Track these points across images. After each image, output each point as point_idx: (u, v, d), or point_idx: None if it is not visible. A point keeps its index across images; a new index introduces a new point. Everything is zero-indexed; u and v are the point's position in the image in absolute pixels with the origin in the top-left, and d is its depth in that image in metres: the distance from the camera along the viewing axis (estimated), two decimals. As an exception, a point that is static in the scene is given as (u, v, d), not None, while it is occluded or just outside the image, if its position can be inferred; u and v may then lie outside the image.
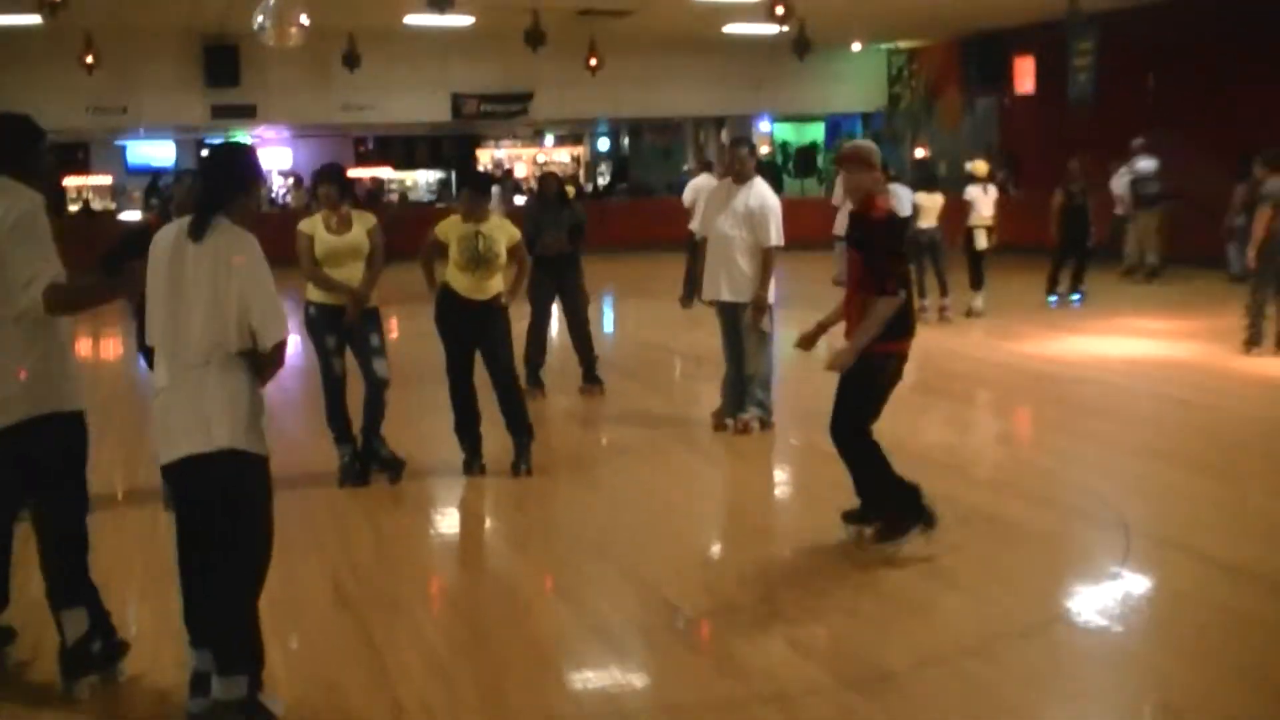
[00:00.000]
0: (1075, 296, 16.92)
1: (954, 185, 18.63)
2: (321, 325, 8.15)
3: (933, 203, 15.39)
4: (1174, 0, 20.32)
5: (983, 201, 15.88)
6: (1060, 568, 6.52)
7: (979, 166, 16.54)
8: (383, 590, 6.32)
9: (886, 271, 6.37)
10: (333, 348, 8.18)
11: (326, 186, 8.16)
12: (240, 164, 5.04)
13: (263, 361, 4.67)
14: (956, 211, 15.94)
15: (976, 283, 15.81)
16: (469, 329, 8.53)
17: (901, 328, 6.50)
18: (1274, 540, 6.78)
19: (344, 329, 8.12)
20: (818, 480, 8.61)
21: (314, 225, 8.10)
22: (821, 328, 7.04)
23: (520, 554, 6.90)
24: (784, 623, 5.79)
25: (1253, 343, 12.52)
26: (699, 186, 16.65)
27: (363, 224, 8.20)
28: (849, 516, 6.80)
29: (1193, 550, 6.54)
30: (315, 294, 8.13)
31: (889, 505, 6.64)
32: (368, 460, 8.36)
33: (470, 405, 8.66)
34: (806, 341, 7.11)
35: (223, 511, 4.67)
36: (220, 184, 4.86)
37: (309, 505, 7.95)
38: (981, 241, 15.82)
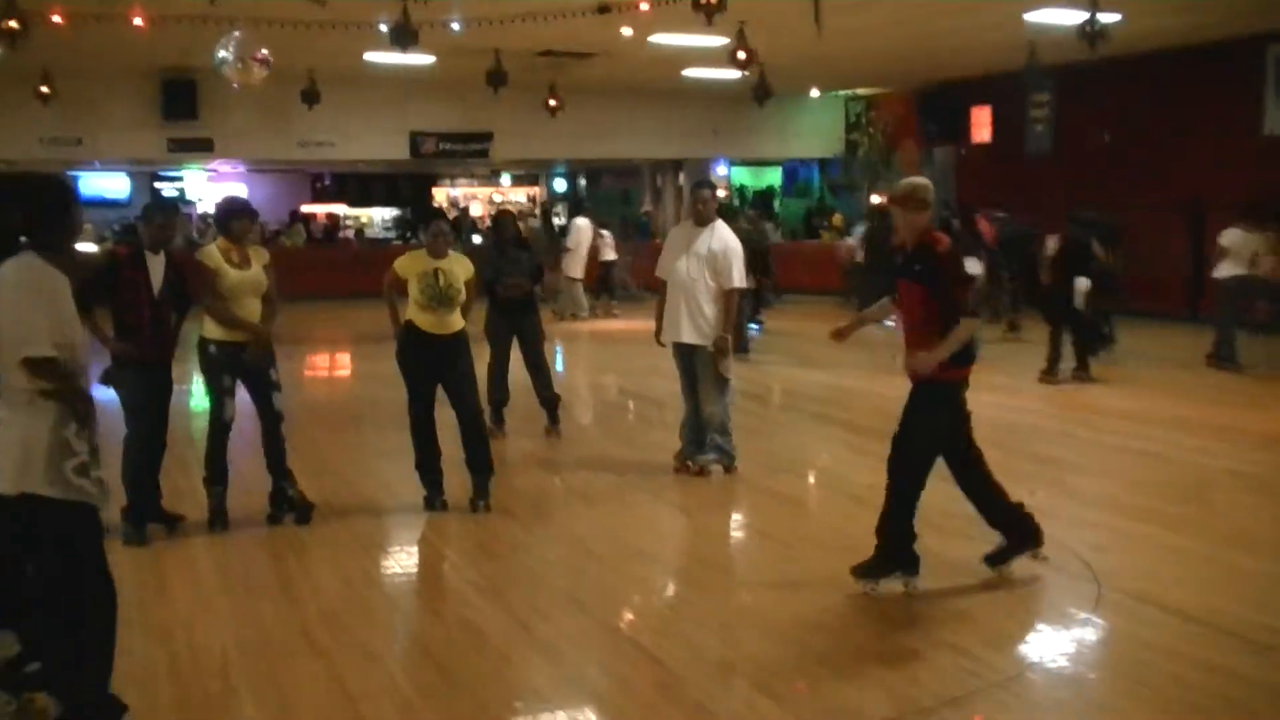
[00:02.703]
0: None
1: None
2: (220, 364, 7.96)
3: None
4: (1130, 55, 20.55)
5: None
6: (1034, 618, 6.51)
7: (836, 218, 19.45)
8: (354, 637, 6.21)
9: (960, 298, 6.67)
10: (228, 387, 8.01)
11: (242, 220, 8.04)
12: (41, 198, 4.86)
13: (53, 390, 4.56)
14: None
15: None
16: (434, 365, 8.50)
17: (967, 355, 6.73)
18: (1241, 594, 6.78)
19: (247, 368, 7.97)
20: (782, 525, 8.59)
21: (216, 259, 7.88)
22: (861, 321, 7.46)
23: (491, 600, 6.80)
24: (759, 670, 5.74)
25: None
26: (580, 227, 17.43)
27: (259, 260, 8.09)
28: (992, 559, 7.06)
29: (1164, 603, 6.54)
30: (214, 331, 7.92)
31: (886, 542, 6.78)
32: (280, 502, 8.25)
33: (433, 442, 8.64)
34: (841, 335, 7.34)
35: (29, 558, 4.58)
36: (16, 217, 4.73)
37: (275, 548, 7.86)
38: None
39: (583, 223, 22.65)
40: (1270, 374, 14.65)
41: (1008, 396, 13.46)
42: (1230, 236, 15.28)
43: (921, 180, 6.99)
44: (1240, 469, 10.09)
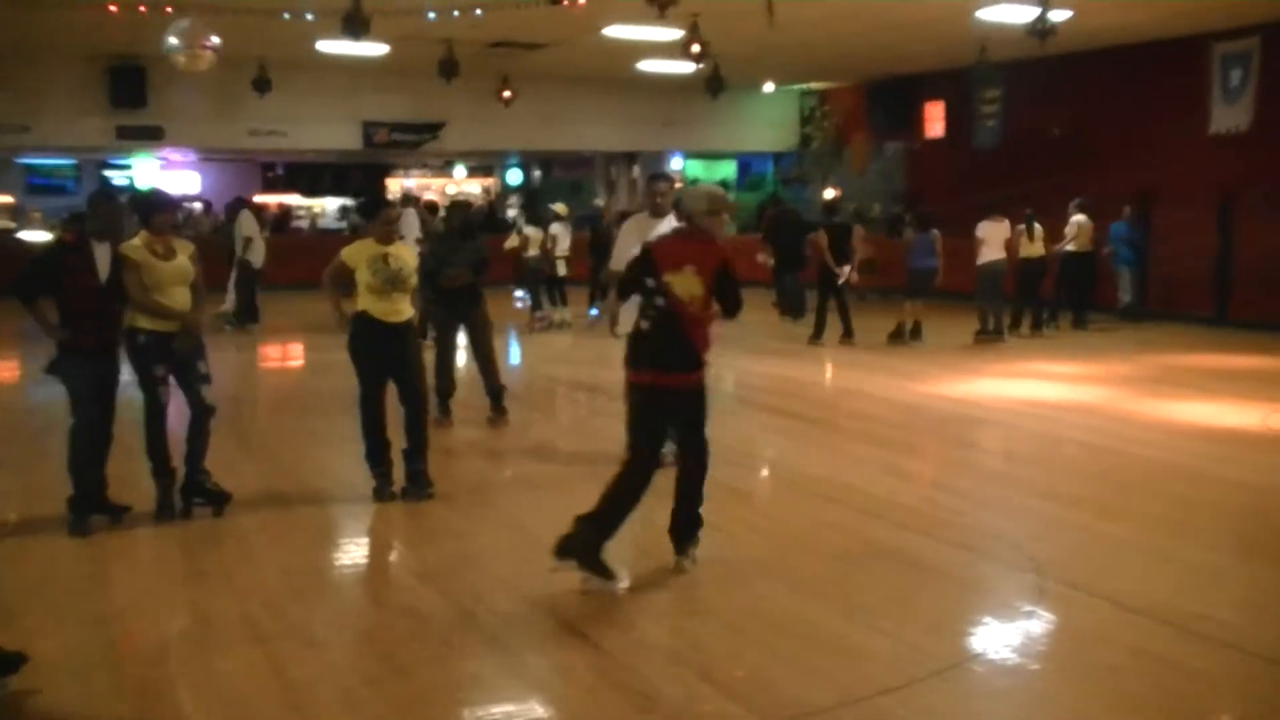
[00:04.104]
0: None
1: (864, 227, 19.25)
2: (151, 353, 7.91)
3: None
4: (1080, 51, 20.75)
5: (563, 237, 20.33)
6: (974, 608, 6.56)
7: (560, 207, 21.23)
8: (295, 625, 6.19)
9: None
10: (160, 375, 7.97)
11: (162, 214, 8.01)
12: None
13: None
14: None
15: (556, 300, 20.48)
16: (386, 354, 8.51)
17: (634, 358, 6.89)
18: (1180, 583, 6.85)
19: (177, 357, 7.95)
20: (726, 516, 8.63)
21: (140, 252, 7.86)
22: None
23: (433, 588, 6.79)
24: (702, 658, 5.76)
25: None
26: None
27: (185, 250, 8.08)
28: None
29: (1102, 593, 6.60)
30: (144, 321, 7.87)
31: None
32: (191, 492, 8.20)
33: (384, 432, 8.63)
34: None
35: None
36: None
37: (217, 534, 7.83)
38: (562, 269, 20.37)
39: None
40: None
41: (944, 385, 13.60)
42: (983, 229, 17.67)
43: (717, 189, 7.04)
44: (1173, 459, 10.22)
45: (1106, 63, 21.43)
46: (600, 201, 31.24)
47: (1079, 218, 19.28)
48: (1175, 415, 12.03)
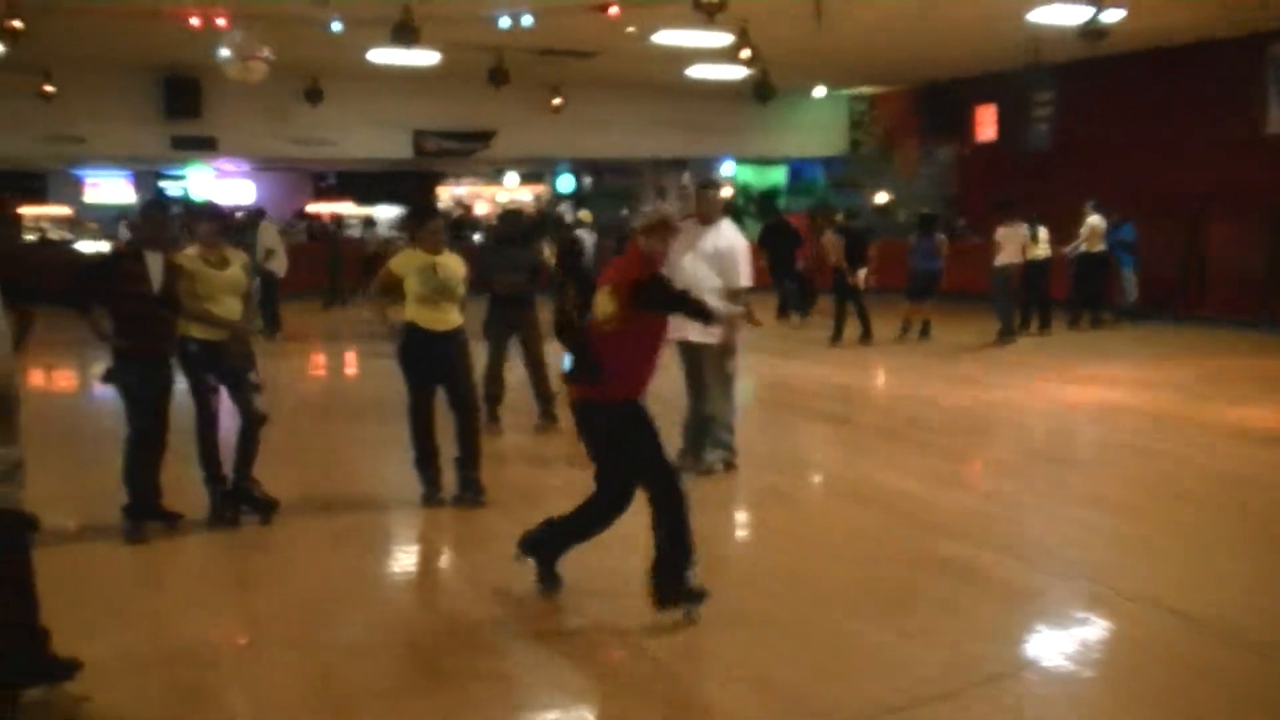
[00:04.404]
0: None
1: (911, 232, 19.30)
2: (202, 362, 8.00)
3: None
4: (1133, 52, 20.59)
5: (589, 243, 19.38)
6: (1026, 616, 6.49)
7: (584, 214, 21.25)
8: (343, 631, 6.22)
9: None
10: (212, 384, 8.05)
11: (210, 224, 8.09)
12: None
13: None
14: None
15: None
16: (435, 362, 8.54)
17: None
18: (1234, 593, 6.77)
19: (227, 366, 8.01)
20: (781, 524, 8.61)
21: (193, 261, 7.95)
22: None
23: (482, 594, 6.81)
24: (749, 666, 5.74)
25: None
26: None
27: (238, 260, 8.17)
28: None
29: (1156, 601, 6.53)
30: (196, 330, 7.95)
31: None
32: (239, 500, 8.25)
33: (432, 439, 8.67)
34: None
35: None
36: None
37: (267, 541, 7.88)
38: None
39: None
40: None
41: (1009, 392, 13.51)
42: (1000, 233, 17.90)
43: (669, 211, 6.78)
44: (1228, 467, 10.10)
45: (1160, 64, 21.23)
46: (625, 211, 31.26)
47: (1093, 219, 19.61)
48: (1228, 420, 11.88)
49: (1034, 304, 19.04)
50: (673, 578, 6.21)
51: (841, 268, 17.76)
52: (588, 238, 20.52)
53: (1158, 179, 21.15)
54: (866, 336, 17.93)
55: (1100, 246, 19.71)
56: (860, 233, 18.57)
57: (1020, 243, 17.84)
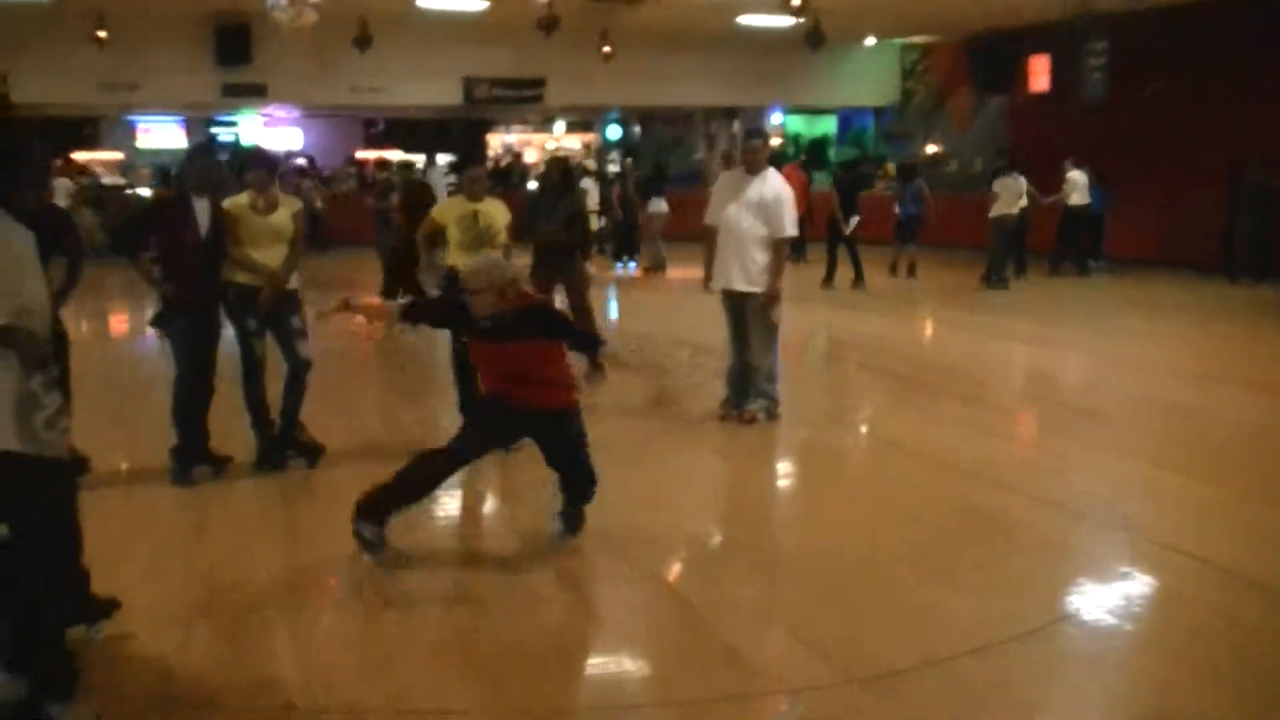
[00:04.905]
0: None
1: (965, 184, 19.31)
2: (241, 306, 8.05)
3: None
4: (1189, 3, 20.27)
5: (592, 192, 20.75)
6: (1064, 570, 6.49)
7: (589, 163, 22.77)
8: (390, 578, 6.27)
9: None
10: (253, 329, 8.10)
11: (256, 171, 8.12)
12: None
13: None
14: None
15: None
16: None
17: None
18: (1273, 547, 6.75)
19: (260, 311, 8.06)
20: (823, 474, 8.64)
21: (238, 206, 8.01)
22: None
23: (525, 543, 6.87)
24: (789, 618, 5.78)
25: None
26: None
27: (288, 208, 8.19)
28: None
29: (1196, 555, 6.52)
30: (238, 275, 8.01)
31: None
32: (285, 445, 8.32)
33: (475, 384, 8.68)
34: None
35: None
36: None
37: (314, 486, 7.97)
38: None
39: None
40: None
41: (1043, 346, 13.46)
42: (999, 184, 19.09)
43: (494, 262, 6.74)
44: (1270, 421, 10.03)
45: (1217, 13, 20.87)
46: (699, 156, 31.14)
47: (1073, 173, 20.48)
48: (1269, 377, 11.78)
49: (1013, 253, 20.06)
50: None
51: (836, 217, 18.95)
52: (591, 187, 20.50)
53: (1208, 130, 20.84)
54: (858, 280, 18.81)
55: (1081, 200, 20.48)
56: (852, 184, 19.85)
57: (1017, 194, 18.96)
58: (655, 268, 21.88)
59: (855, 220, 18.99)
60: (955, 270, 20.91)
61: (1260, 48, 20.43)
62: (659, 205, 22.53)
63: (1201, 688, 5.02)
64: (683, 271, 19.66)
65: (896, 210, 20.25)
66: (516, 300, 6.53)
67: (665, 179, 24.23)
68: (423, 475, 6.47)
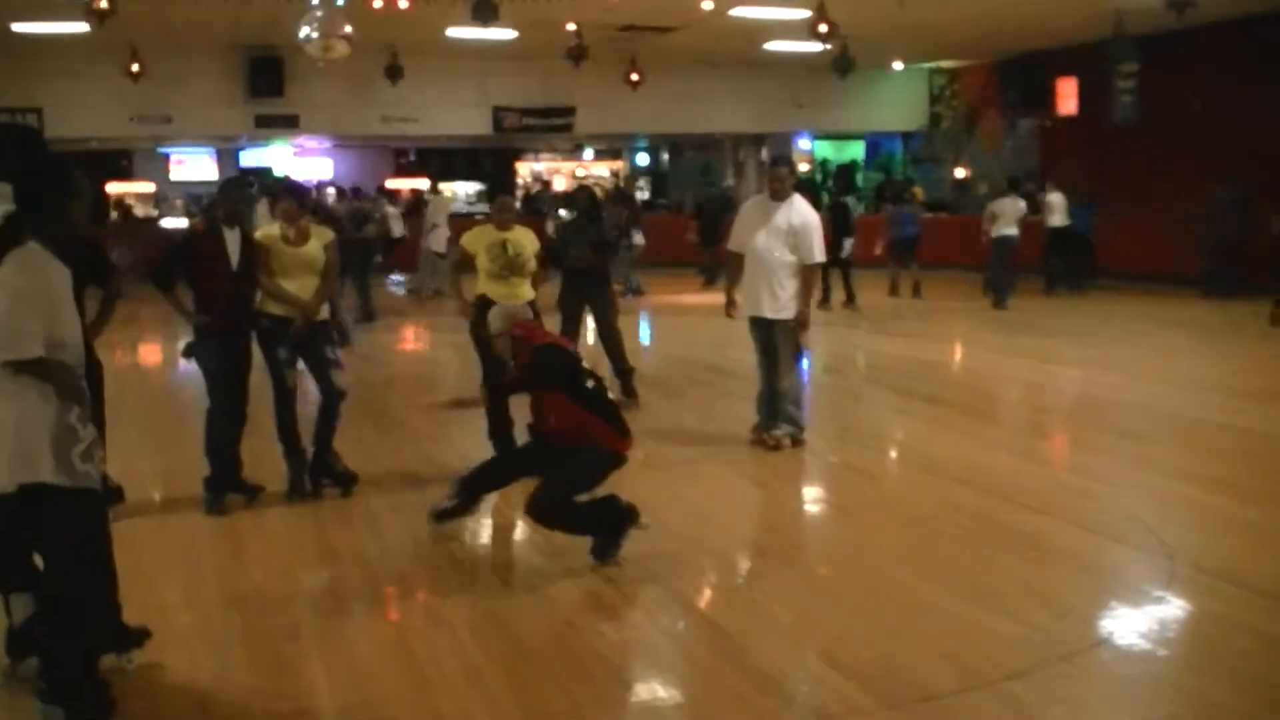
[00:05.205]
0: None
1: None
2: (274, 337, 8.08)
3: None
4: (1219, 21, 20.18)
5: None
6: (1104, 593, 6.44)
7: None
8: (423, 602, 6.30)
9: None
10: (284, 359, 8.12)
11: (287, 201, 8.17)
12: (33, 184, 4.81)
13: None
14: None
15: None
16: None
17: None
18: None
19: (292, 342, 8.08)
20: (854, 497, 8.60)
21: (269, 237, 8.06)
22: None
23: (559, 567, 6.85)
24: (824, 641, 5.75)
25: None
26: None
27: (320, 239, 8.22)
28: None
29: (1236, 578, 6.45)
30: (269, 305, 8.06)
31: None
32: (319, 473, 8.34)
33: (506, 411, 8.70)
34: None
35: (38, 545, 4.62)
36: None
37: (348, 513, 7.98)
38: None
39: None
40: None
41: (1086, 369, 13.38)
42: (998, 205, 19.88)
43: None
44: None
45: (1249, 34, 20.77)
46: (729, 183, 31.16)
47: (1052, 196, 21.39)
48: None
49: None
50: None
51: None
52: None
53: (1244, 152, 20.73)
54: (850, 301, 19.42)
55: (1062, 221, 21.19)
56: (846, 209, 20.35)
57: (1016, 215, 19.63)
58: (634, 292, 22.23)
59: (849, 243, 19.37)
60: (956, 288, 21.52)
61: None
62: (635, 237, 22.69)
63: (1249, 710, 4.98)
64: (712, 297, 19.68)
65: (890, 233, 20.92)
66: (524, 342, 6.82)
67: (637, 211, 24.60)
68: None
